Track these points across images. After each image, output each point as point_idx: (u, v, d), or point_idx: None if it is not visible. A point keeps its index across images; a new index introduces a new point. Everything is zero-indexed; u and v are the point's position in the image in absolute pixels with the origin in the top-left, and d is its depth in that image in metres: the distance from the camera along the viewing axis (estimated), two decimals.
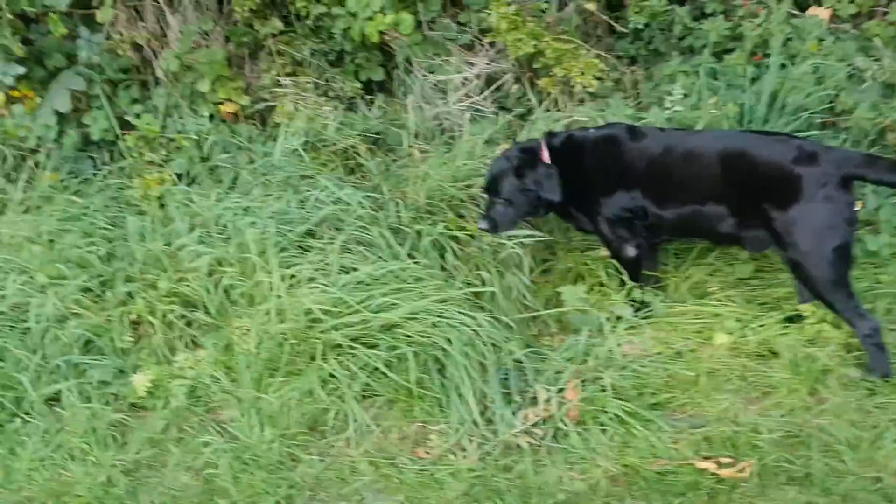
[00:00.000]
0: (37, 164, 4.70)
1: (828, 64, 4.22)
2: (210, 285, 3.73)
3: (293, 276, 3.64)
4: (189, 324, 3.70)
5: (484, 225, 3.62)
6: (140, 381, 3.46)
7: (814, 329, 3.37)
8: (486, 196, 3.75)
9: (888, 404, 3.11)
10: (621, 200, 3.54)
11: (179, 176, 4.41)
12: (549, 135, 3.76)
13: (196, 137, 4.48)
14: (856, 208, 3.29)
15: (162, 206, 4.27)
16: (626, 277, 3.63)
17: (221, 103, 4.68)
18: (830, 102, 4.23)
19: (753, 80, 4.31)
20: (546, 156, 3.62)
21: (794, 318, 3.47)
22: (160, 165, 4.50)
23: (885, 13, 4.52)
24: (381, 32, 4.44)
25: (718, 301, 3.62)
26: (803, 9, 4.57)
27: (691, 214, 3.45)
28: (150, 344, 3.66)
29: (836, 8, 4.51)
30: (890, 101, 4.14)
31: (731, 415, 3.15)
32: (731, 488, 2.87)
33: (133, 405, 3.49)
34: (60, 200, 4.40)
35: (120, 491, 3.12)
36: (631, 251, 3.61)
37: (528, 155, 3.61)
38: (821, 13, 4.50)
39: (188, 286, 3.74)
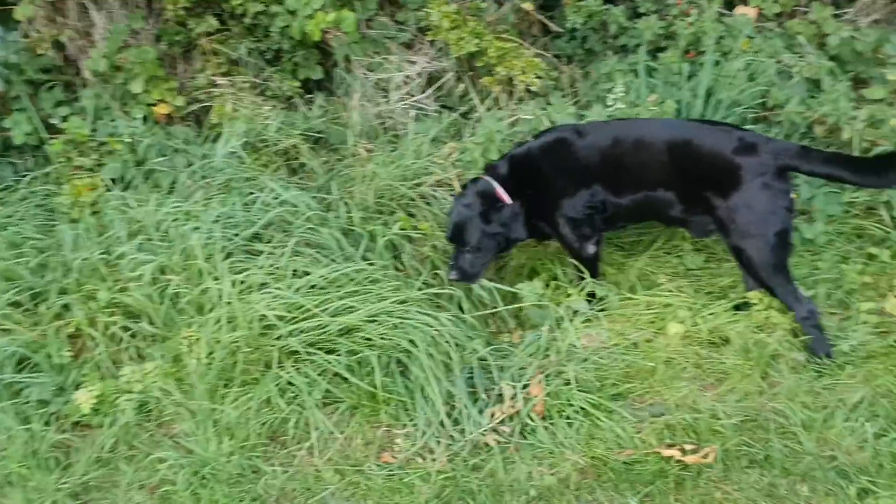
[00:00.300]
0: None
1: (758, 60, 4.37)
2: (154, 294, 3.58)
3: (243, 281, 3.53)
4: (133, 336, 3.54)
5: (455, 276, 3.54)
6: (83, 398, 3.29)
7: (762, 315, 3.46)
8: (451, 246, 3.66)
9: (835, 385, 3.22)
10: (583, 198, 3.57)
11: (113, 181, 4.22)
12: (492, 168, 3.73)
13: (129, 140, 4.30)
14: (792, 196, 3.41)
15: (95, 213, 4.08)
16: (586, 275, 3.65)
17: (155, 104, 4.51)
18: (762, 98, 4.38)
19: (688, 77, 4.42)
20: (502, 193, 3.61)
21: (741, 306, 3.57)
22: (90, 171, 4.31)
23: (806, 12, 4.71)
24: (322, 31, 4.36)
25: (669, 292, 3.68)
26: (731, 8, 4.73)
27: (645, 199, 3.55)
28: (91, 358, 3.49)
29: (762, 7, 4.68)
30: (817, 96, 4.31)
31: (690, 401, 3.22)
32: (697, 474, 2.93)
33: (77, 424, 3.32)
34: None
35: None
36: (591, 249, 3.66)
37: (488, 198, 3.58)
38: (748, 12, 4.66)
39: (130, 296, 3.59)
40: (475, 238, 3.53)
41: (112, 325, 3.52)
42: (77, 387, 3.38)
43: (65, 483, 3.06)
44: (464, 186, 3.72)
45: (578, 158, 3.58)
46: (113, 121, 4.40)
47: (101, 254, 3.78)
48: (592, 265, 3.69)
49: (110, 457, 3.17)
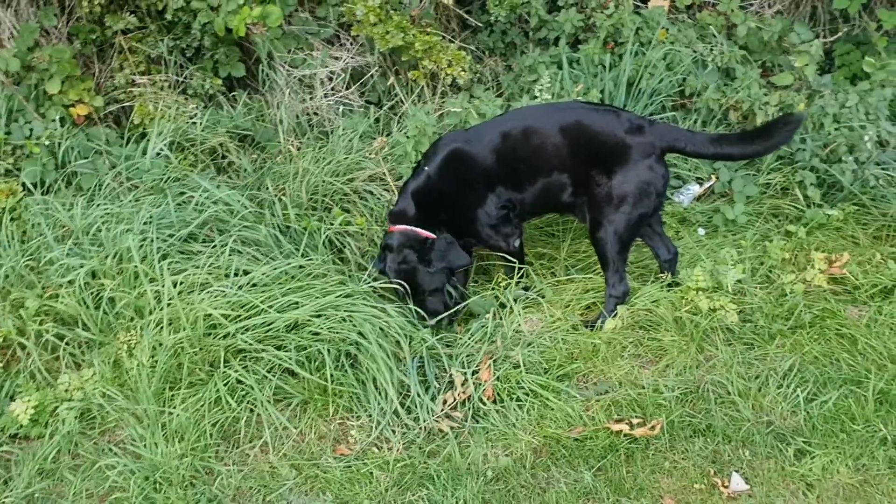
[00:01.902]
0: None
1: (675, 50, 4.56)
2: (88, 299, 3.47)
3: (182, 282, 3.46)
4: (67, 343, 3.43)
5: (434, 321, 3.50)
6: (20, 409, 3.16)
7: (690, 293, 3.62)
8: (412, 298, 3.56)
9: (765, 356, 3.41)
10: (493, 202, 3.57)
11: (34, 185, 4.05)
12: (399, 214, 3.60)
13: (48, 143, 4.14)
14: (667, 181, 3.55)
15: (14, 219, 3.91)
16: (517, 264, 3.70)
17: (72, 105, 4.35)
18: (680, 86, 4.58)
19: (608, 67, 4.57)
20: (424, 232, 3.54)
21: (671, 285, 3.71)
22: (6, 175, 4.13)
23: (716, 4, 4.94)
24: (245, 26, 4.29)
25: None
26: (645, 0, 4.91)
27: (543, 188, 3.56)
28: (25, 368, 3.36)
29: (675, 0, 4.88)
30: (731, 84, 4.53)
31: (633, 378, 3.34)
32: (645, 446, 3.05)
33: (14, 436, 3.19)
34: None
35: None
36: (516, 242, 3.69)
37: (417, 243, 3.51)
38: (661, 4, 4.85)
39: (62, 303, 3.47)
40: (427, 283, 3.50)
41: (45, 333, 3.39)
42: (12, 398, 3.24)
43: (7, 497, 2.94)
44: (384, 248, 3.57)
45: (475, 167, 3.54)
46: (28, 123, 4.22)
47: (27, 260, 3.63)
48: (520, 255, 3.74)
49: (54, 468, 3.06)
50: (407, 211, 3.58)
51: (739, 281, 3.64)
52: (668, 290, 3.67)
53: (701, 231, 4.09)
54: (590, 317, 3.66)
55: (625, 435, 3.09)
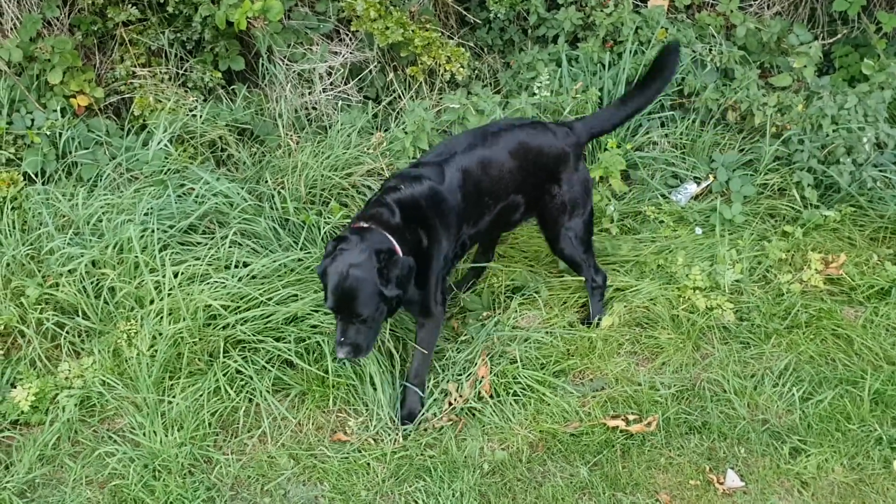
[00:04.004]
0: None
1: None
2: (88, 289, 3.48)
3: (182, 273, 3.47)
4: (68, 331, 3.44)
5: (345, 353, 2.96)
6: (21, 396, 3.17)
7: (687, 292, 3.64)
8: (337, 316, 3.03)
9: (761, 354, 3.44)
10: (448, 248, 3.25)
11: (35, 175, 4.06)
12: (376, 218, 3.09)
13: (49, 133, 4.15)
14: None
15: (15, 208, 3.92)
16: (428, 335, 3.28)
17: (73, 96, 4.35)
18: (679, 85, 4.60)
19: (608, 66, 4.60)
20: (397, 246, 3.04)
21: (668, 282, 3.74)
22: (5, 164, 4.13)
23: (715, 5, 4.97)
24: (247, 20, 4.30)
25: None
26: (643, 1, 4.94)
27: (498, 213, 3.38)
28: (25, 355, 3.37)
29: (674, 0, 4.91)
30: (729, 84, 4.56)
31: (629, 375, 3.37)
32: (641, 442, 3.08)
33: (15, 423, 3.20)
34: None
35: None
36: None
37: (385, 253, 2.96)
38: (659, 3, 4.88)
39: (62, 292, 3.48)
40: (372, 306, 2.94)
41: (45, 321, 3.40)
42: (13, 385, 3.25)
43: (8, 482, 2.95)
44: (339, 239, 3.03)
45: (449, 206, 3.22)
46: (30, 113, 4.23)
47: (28, 249, 3.64)
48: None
49: (54, 454, 3.08)
50: (391, 218, 3.10)
51: (737, 280, 3.68)
52: (666, 288, 3.69)
53: (698, 230, 4.12)
54: (584, 313, 3.67)
55: (621, 431, 3.12)
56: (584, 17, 4.81)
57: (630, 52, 4.56)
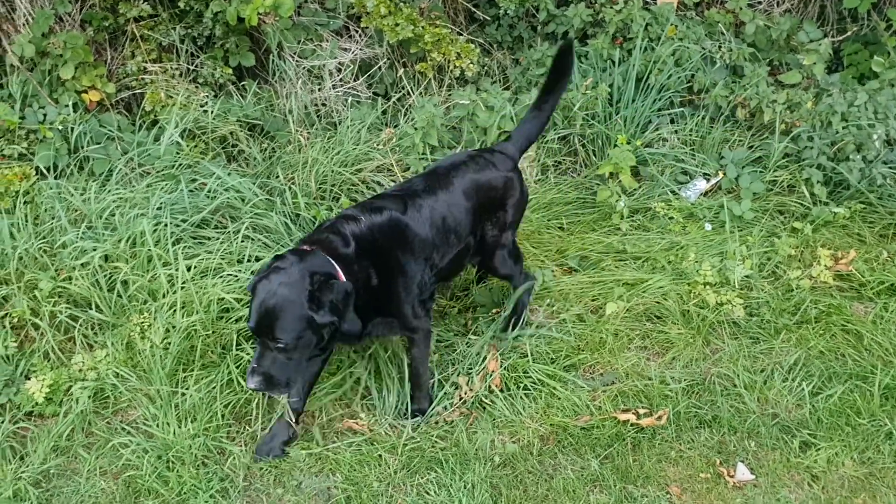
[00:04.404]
0: None
1: (684, 47, 4.59)
2: (101, 282, 3.50)
3: (195, 266, 3.50)
4: (81, 324, 3.46)
5: (255, 383, 2.69)
6: (35, 387, 3.19)
7: (698, 287, 3.65)
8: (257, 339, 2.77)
9: (770, 350, 3.45)
10: (420, 274, 3.09)
11: (47, 169, 4.09)
12: (324, 243, 2.87)
13: (61, 128, 4.17)
14: None
15: (27, 202, 3.94)
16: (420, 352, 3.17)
17: (85, 91, 4.38)
18: (688, 82, 4.61)
19: (616, 62, 4.61)
20: (339, 272, 2.81)
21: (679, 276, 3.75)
22: (17, 159, 4.16)
23: (724, 2, 4.98)
24: (258, 16, 4.32)
25: (607, 269, 3.84)
26: None
27: (456, 255, 3.26)
28: (38, 348, 3.39)
29: None
30: (739, 81, 4.56)
31: (640, 370, 3.38)
32: (652, 435, 3.09)
33: (30, 414, 3.22)
34: None
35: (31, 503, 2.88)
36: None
37: (320, 275, 2.72)
38: (668, 1, 4.89)
39: (75, 285, 3.50)
40: (294, 331, 2.66)
41: (58, 314, 3.42)
42: (27, 377, 3.28)
43: (24, 472, 2.98)
44: (277, 257, 2.82)
45: (416, 236, 3.07)
46: (42, 108, 4.25)
47: (41, 243, 3.67)
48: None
49: (68, 445, 3.10)
50: (340, 247, 2.88)
51: (747, 276, 3.69)
52: (677, 284, 3.70)
53: (708, 226, 4.12)
54: (594, 308, 3.68)
55: (631, 424, 3.13)
56: (594, 13, 4.82)
57: (640, 48, 4.57)
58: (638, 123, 4.50)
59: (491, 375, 3.29)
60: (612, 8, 4.74)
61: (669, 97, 4.55)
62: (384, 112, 4.73)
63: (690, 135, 4.49)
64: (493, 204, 3.34)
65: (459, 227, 3.21)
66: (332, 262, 2.79)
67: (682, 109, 4.58)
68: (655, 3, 4.86)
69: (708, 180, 4.38)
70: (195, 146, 4.29)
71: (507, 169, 3.38)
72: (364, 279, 2.88)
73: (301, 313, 2.65)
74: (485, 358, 3.35)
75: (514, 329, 3.48)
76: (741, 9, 4.82)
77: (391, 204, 3.06)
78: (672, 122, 4.57)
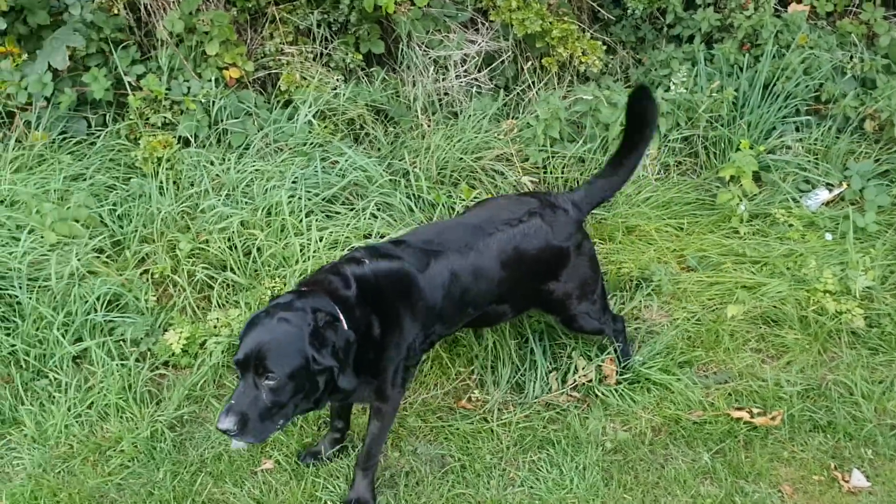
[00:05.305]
0: (27, 124, 4.52)
1: (814, 55, 4.54)
2: (238, 246, 3.71)
3: (325, 238, 3.67)
4: (216, 284, 3.67)
5: (227, 424, 2.34)
6: (173, 339, 3.42)
7: (818, 294, 3.62)
8: (238, 374, 2.47)
9: (890, 362, 3.40)
10: (413, 339, 2.80)
11: (187, 140, 4.34)
12: (324, 284, 2.63)
13: (203, 101, 4.43)
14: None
15: (170, 168, 4.19)
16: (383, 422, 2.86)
17: (226, 68, 4.63)
18: (816, 91, 4.55)
19: (743, 68, 4.59)
20: (343, 319, 2.55)
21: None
22: (160, 128, 4.43)
23: (858, 12, 4.89)
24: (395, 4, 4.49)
25: (727, 270, 3.84)
26: (784, 6, 4.90)
27: (477, 319, 3.05)
28: (175, 304, 3.62)
29: (816, 5, 4.85)
30: (870, 93, 4.48)
31: (755, 371, 3.38)
32: (765, 435, 3.10)
33: (166, 364, 3.44)
34: (55, 160, 4.26)
35: (167, 445, 3.09)
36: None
37: (325, 314, 2.49)
38: (800, 9, 4.83)
39: (213, 247, 3.72)
40: (288, 367, 2.38)
41: (197, 273, 3.64)
42: (165, 329, 3.50)
43: (160, 416, 3.19)
44: (274, 298, 2.69)
45: (422, 299, 2.78)
46: (187, 81, 4.52)
47: (183, 206, 3.90)
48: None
49: (201, 394, 3.31)
50: (339, 289, 2.63)
51: (868, 287, 3.63)
52: (796, 290, 3.68)
53: (828, 236, 4.07)
54: (711, 308, 3.69)
55: (744, 423, 3.14)
56: (723, 18, 4.81)
57: (769, 55, 4.54)
58: (762, 129, 4.47)
59: (605, 377, 3.34)
60: (742, 13, 4.72)
61: (796, 105, 4.50)
62: (504, 105, 4.83)
63: (815, 144, 4.43)
64: (539, 275, 3.05)
65: (481, 298, 2.92)
66: (333, 304, 2.55)
67: (807, 118, 4.53)
68: (787, 11, 4.81)
69: (830, 190, 4.33)
70: (325, 126, 4.48)
71: (564, 237, 3.04)
72: (365, 327, 2.60)
73: (300, 347, 2.38)
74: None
75: (622, 364, 3.36)
76: (876, 20, 4.72)
77: (411, 257, 2.79)
78: (797, 129, 4.52)
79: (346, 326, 2.51)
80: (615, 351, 3.37)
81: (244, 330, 2.46)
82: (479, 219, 3.02)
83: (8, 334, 3.38)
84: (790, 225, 4.12)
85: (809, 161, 4.37)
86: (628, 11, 4.94)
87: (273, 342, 2.37)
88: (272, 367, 2.35)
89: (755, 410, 3.18)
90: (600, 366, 3.36)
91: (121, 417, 3.20)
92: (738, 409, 3.20)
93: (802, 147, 4.43)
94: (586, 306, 3.17)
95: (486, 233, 2.93)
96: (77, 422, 3.20)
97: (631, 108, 3.17)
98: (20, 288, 3.48)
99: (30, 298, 3.45)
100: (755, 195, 4.28)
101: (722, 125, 4.44)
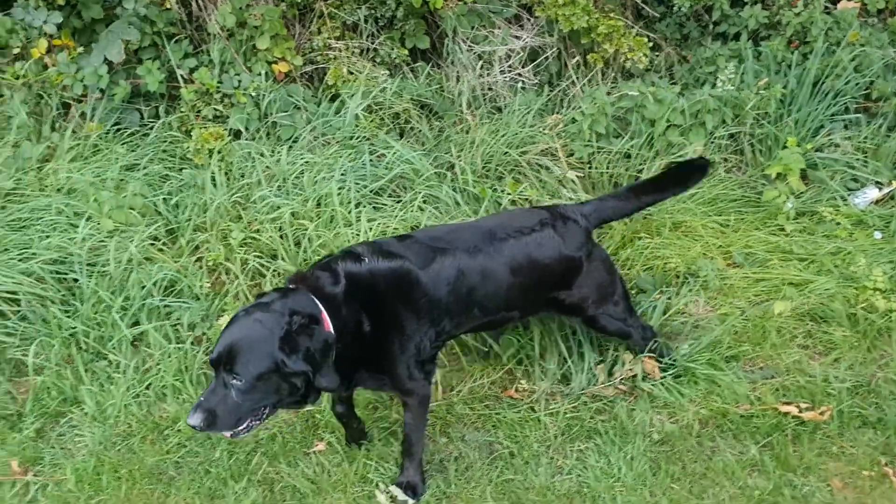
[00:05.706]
0: (82, 115, 4.64)
1: (865, 53, 4.50)
2: (288, 236, 3.78)
3: (374, 229, 3.73)
4: (268, 272, 3.75)
5: (195, 421, 2.39)
6: None
7: (867, 292, 3.60)
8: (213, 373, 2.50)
9: None
10: (419, 337, 2.80)
11: (238, 132, 4.43)
12: (308, 280, 2.66)
13: (253, 94, 4.51)
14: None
15: (221, 160, 4.28)
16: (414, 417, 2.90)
17: (275, 62, 4.71)
18: (866, 89, 4.52)
19: (791, 65, 4.57)
20: (327, 319, 2.55)
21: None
22: (211, 121, 4.52)
23: None
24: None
25: (772, 265, 3.84)
26: (834, 3, 4.87)
27: (485, 324, 3.08)
28: (230, 290, 3.69)
29: (867, 2, 4.81)
30: None
31: (802, 367, 3.38)
32: (813, 430, 3.10)
33: None
34: (110, 151, 4.37)
35: None
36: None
37: (302, 316, 2.48)
38: (850, 6, 4.80)
39: (264, 237, 3.79)
40: (255, 369, 2.40)
41: (249, 261, 3.72)
42: (219, 315, 3.58)
43: None
44: (260, 295, 2.66)
45: (425, 295, 2.78)
46: (238, 74, 4.60)
47: (236, 196, 3.99)
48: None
49: None
50: (325, 286, 2.63)
51: None
52: (844, 287, 3.66)
53: (877, 234, 4.05)
54: (757, 303, 3.69)
55: (792, 417, 3.14)
56: (770, 15, 4.79)
57: (819, 53, 4.51)
58: (809, 127, 4.45)
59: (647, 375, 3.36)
60: (791, 10, 4.70)
61: (845, 103, 4.48)
62: (548, 100, 4.86)
63: (865, 142, 4.40)
64: (549, 284, 3.07)
65: (489, 302, 2.92)
66: (318, 303, 2.55)
67: (857, 116, 4.49)
68: (836, 8, 4.78)
69: (880, 189, 4.29)
70: (372, 120, 4.55)
71: (575, 247, 3.06)
72: (353, 324, 2.61)
73: (268, 352, 2.40)
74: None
75: (664, 361, 3.37)
76: None
77: (413, 254, 2.79)
78: (846, 127, 4.49)
79: (329, 325, 2.53)
80: (651, 351, 3.35)
81: (224, 327, 2.50)
82: (492, 224, 3.08)
83: (69, 316, 3.48)
84: (838, 223, 4.10)
85: (858, 159, 4.34)
86: (673, 8, 4.93)
87: (244, 344, 2.41)
88: (239, 369, 2.40)
89: (803, 405, 3.18)
90: (644, 360, 3.38)
91: (177, 398, 3.29)
92: (786, 403, 3.20)
93: (851, 145, 4.39)
94: (608, 308, 3.19)
95: (498, 238, 2.96)
96: (135, 402, 3.29)
97: (684, 165, 3.47)
98: (80, 272, 3.58)
99: (89, 282, 3.55)
100: (802, 193, 4.26)
101: (769, 122, 4.43)
